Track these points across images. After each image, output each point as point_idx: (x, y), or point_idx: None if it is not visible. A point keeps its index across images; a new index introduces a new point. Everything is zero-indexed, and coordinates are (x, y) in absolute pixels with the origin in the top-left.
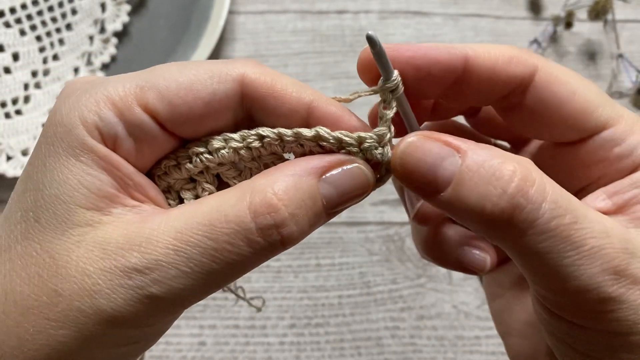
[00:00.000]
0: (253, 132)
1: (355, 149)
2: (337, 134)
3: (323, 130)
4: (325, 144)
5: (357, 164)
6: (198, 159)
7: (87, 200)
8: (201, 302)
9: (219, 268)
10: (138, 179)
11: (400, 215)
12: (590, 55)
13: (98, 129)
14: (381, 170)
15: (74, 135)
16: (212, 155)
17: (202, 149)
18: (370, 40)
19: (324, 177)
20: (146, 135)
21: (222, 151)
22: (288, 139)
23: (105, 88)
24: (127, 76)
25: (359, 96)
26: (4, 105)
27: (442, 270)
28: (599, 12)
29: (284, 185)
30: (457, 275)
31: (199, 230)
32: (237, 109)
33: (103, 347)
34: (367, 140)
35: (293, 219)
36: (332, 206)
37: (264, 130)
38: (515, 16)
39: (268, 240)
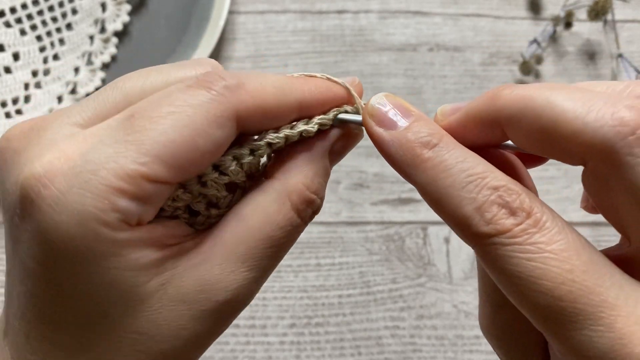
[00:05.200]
0: (262, 142)
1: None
2: (332, 114)
3: (324, 120)
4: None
5: (356, 131)
6: (212, 183)
7: (145, 276)
8: None
9: (279, 261)
10: (164, 230)
11: (400, 215)
12: (590, 55)
13: (121, 220)
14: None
15: (105, 241)
16: (226, 174)
17: (215, 175)
18: (344, 121)
19: (330, 152)
20: (158, 197)
21: (237, 168)
22: (295, 138)
23: (100, 176)
24: (114, 148)
25: (328, 78)
26: (4, 104)
27: (442, 270)
28: (598, 12)
29: (310, 175)
30: (457, 274)
31: (260, 245)
32: (233, 137)
33: None
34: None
35: (322, 199)
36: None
37: (273, 138)
38: (515, 16)
39: (308, 220)
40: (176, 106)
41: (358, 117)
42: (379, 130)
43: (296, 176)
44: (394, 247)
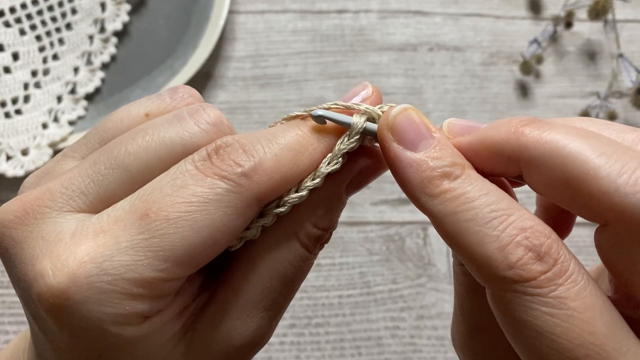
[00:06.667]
0: (285, 208)
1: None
2: (352, 143)
3: (344, 148)
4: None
5: (378, 164)
6: (237, 246)
7: (171, 344)
8: None
9: (293, 295)
10: (180, 302)
11: (400, 215)
12: (590, 55)
13: (141, 317)
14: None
15: (127, 337)
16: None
17: (240, 244)
18: (318, 118)
19: (348, 185)
20: (177, 286)
21: (259, 232)
22: (320, 185)
23: (119, 284)
24: (131, 251)
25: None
26: (3, 104)
27: (443, 270)
28: (599, 12)
29: (320, 214)
30: None
31: (275, 286)
32: (256, 215)
33: None
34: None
35: (333, 228)
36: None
37: (296, 199)
38: (515, 16)
39: (318, 251)
40: (193, 204)
41: (345, 119)
42: (397, 148)
43: (305, 215)
44: (394, 247)
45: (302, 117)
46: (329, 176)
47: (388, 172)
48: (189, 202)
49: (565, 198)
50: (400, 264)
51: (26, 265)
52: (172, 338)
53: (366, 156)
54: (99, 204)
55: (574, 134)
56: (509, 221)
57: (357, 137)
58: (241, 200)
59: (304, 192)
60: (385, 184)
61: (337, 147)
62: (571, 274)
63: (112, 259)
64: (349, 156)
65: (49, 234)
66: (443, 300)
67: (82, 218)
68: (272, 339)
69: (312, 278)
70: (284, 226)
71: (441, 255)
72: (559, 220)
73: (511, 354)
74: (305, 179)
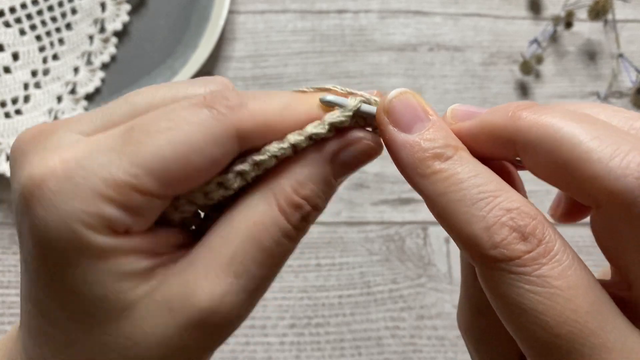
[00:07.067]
0: (266, 156)
1: (362, 122)
2: (346, 115)
3: (335, 117)
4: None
5: (367, 142)
6: (219, 197)
7: (131, 282)
8: None
9: (275, 271)
10: (157, 240)
11: (400, 215)
12: (590, 55)
13: (107, 227)
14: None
15: (88, 244)
16: (230, 189)
17: (221, 191)
18: (330, 103)
19: (334, 159)
20: (151, 209)
21: (241, 182)
22: (303, 145)
23: (91, 182)
24: (108, 156)
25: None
26: (3, 104)
27: (443, 270)
28: (599, 12)
29: (301, 179)
30: (457, 275)
31: (247, 248)
32: (235, 154)
33: None
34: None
35: (315, 208)
36: (343, 179)
37: (277, 150)
38: (515, 16)
39: (301, 229)
40: (175, 122)
41: (373, 110)
42: (392, 130)
43: (285, 178)
44: (394, 247)
45: (308, 93)
46: (315, 145)
47: (387, 173)
48: (170, 120)
49: (560, 181)
50: (400, 264)
51: (23, 168)
52: (137, 274)
53: (355, 134)
54: (102, 130)
55: (569, 118)
56: (495, 202)
57: (347, 114)
58: (221, 129)
59: (285, 145)
60: (385, 184)
61: (326, 117)
62: (555, 254)
63: (90, 157)
64: (338, 133)
65: (51, 144)
66: (443, 300)
67: (83, 137)
68: (272, 339)
69: (312, 278)
70: (263, 186)
71: (441, 255)
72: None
73: (510, 335)
74: (289, 135)
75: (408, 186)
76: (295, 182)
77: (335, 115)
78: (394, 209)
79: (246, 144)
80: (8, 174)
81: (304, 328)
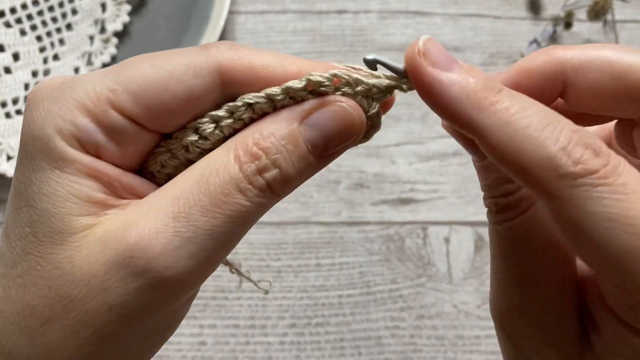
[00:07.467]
0: (240, 103)
1: (349, 90)
2: (329, 73)
3: (315, 76)
4: (322, 89)
5: (341, 103)
6: (194, 147)
7: (80, 208)
8: (201, 302)
9: (220, 224)
10: (126, 180)
11: (400, 215)
12: None
13: (76, 138)
14: (367, 123)
15: (53, 148)
16: (207, 139)
17: (195, 137)
18: (373, 62)
19: (305, 120)
20: (127, 137)
21: (216, 132)
22: (279, 97)
23: (75, 92)
24: (96, 75)
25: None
26: (4, 105)
27: (442, 270)
28: (598, 12)
29: (264, 132)
30: (457, 274)
31: (194, 189)
32: (219, 96)
33: (123, 344)
34: (363, 84)
35: (275, 164)
36: (319, 150)
37: (251, 98)
38: (514, 16)
39: (256, 186)
40: (163, 55)
41: (397, 64)
42: (433, 71)
43: (251, 130)
44: (394, 247)
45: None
46: (292, 105)
47: (387, 173)
48: (163, 54)
49: (606, 99)
50: (400, 264)
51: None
52: (88, 202)
53: (333, 97)
54: None
55: (604, 45)
56: (562, 125)
57: (329, 75)
58: (202, 61)
59: (260, 94)
60: (385, 184)
61: (307, 74)
62: (625, 165)
63: (85, 76)
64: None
65: (65, 88)
66: (443, 300)
67: None
68: (272, 339)
69: (312, 278)
70: (228, 141)
71: (441, 255)
72: None
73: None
74: (267, 89)
75: (408, 186)
76: (259, 134)
77: (316, 73)
78: (394, 209)
79: (230, 87)
80: (8, 174)
81: (304, 328)
